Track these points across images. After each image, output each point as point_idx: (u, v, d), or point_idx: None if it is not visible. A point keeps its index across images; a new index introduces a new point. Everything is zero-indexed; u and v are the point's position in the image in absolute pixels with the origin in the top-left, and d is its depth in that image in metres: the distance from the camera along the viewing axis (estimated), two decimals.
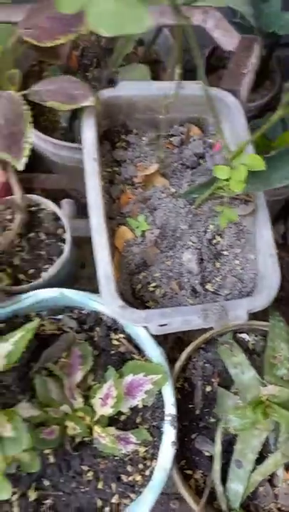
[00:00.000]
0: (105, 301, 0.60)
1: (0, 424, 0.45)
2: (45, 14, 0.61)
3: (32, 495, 0.57)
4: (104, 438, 0.54)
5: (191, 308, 0.61)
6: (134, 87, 0.71)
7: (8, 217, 0.71)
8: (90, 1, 0.29)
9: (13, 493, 0.57)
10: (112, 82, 1.12)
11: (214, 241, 0.68)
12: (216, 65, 1.24)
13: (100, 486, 0.57)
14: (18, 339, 0.49)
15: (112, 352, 0.63)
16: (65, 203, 0.86)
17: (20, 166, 0.62)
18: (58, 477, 0.58)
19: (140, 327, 0.61)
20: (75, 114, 0.86)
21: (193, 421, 0.64)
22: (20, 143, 0.62)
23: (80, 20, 0.62)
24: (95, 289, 0.66)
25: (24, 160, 0.62)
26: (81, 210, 0.90)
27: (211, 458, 0.62)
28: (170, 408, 0.57)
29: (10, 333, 0.54)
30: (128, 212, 0.69)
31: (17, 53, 0.68)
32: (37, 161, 0.90)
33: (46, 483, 0.58)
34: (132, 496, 0.56)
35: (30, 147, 0.62)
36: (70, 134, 0.87)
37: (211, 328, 0.64)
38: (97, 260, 0.61)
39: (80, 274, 0.92)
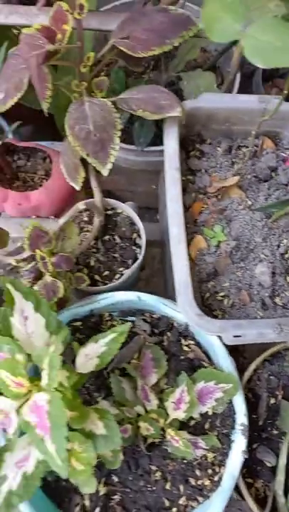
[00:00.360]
0: (182, 308, 0.61)
1: (92, 421, 0.48)
2: (142, 26, 0.63)
3: (102, 489, 0.59)
4: (178, 441, 0.56)
5: (266, 322, 0.62)
6: (216, 100, 0.72)
7: (85, 219, 0.73)
8: (245, 33, 0.30)
9: None
10: (170, 86, 1.14)
11: (286, 255, 0.69)
12: (272, 74, 1.24)
13: (167, 486, 0.59)
14: (110, 341, 0.51)
15: (182, 357, 0.65)
16: (128, 205, 0.88)
17: (105, 171, 0.64)
18: (127, 474, 0.60)
19: (214, 336, 0.62)
20: (133, 117, 0.88)
21: (256, 431, 0.66)
22: (108, 149, 0.64)
23: (176, 33, 0.64)
24: (152, 291, 0.68)
25: (109, 166, 0.64)
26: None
27: (272, 468, 0.64)
28: (242, 418, 0.59)
29: (94, 333, 0.56)
30: (203, 221, 0.70)
31: (106, 60, 0.70)
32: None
33: (115, 479, 0.60)
34: (200, 499, 0.58)
35: (116, 154, 0.64)
36: (127, 136, 0.88)
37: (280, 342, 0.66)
38: (175, 268, 0.62)
39: (138, 275, 0.94)
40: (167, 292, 0.83)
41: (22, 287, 0.50)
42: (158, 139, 0.88)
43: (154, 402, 0.59)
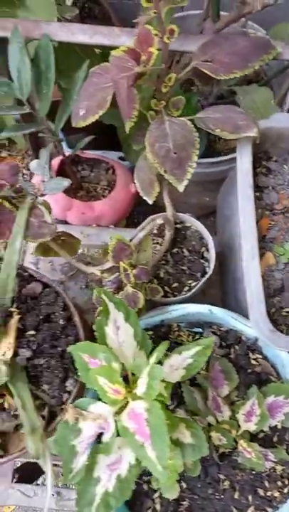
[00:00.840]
0: (254, 323, 0.63)
1: (179, 430, 0.50)
2: (225, 49, 0.65)
3: None
4: (251, 453, 0.58)
5: None
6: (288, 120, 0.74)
7: (155, 231, 0.76)
8: None
9: (155, 491, 0.62)
10: (220, 99, 1.16)
11: None
12: None
13: (236, 495, 0.61)
14: (196, 354, 0.53)
15: (249, 371, 0.67)
16: (187, 216, 0.90)
17: (181, 187, 0.67)
18: (195, 482, 0.62)
19: (283, 351, 0.64)
20: None
21: None
22: (185, 166, 0.66)
23: (257, 56, 0.66)
24: (208, 302, 0.68)
25: (186, 182, 0.67)
26: None
27: None
28: None
29: (178, 345, 0.59)
30: (272, 238, 0.72)
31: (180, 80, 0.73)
32: None
33: (183, 485, 0.62)
34: (269, 510, 0.60)
35: (192, 171, 0.67)
36: None
37: None
38: (248, 283, 0.64)
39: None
40: (227, 305, 0.85)
41: (114, 298, 0.53)
42: (207, 151, 0.90)
43: (226, 413, 0.61)
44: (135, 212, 1.14)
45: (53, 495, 0.85)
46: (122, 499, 0.46)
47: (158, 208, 0.77)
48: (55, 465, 0.56)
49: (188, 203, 1.13)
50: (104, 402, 0.47)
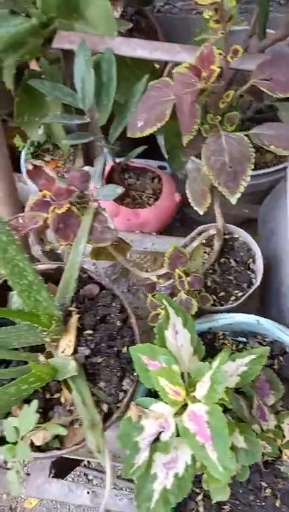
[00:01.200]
0: None
1: (233, 435, 0.52)
2: (283, 69, 0.68)
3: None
4: None
5: None
6: None
7: (203, 241, 0.78)
8: None
9: (198, 494, 0.64)
10: (258, 114, 1.17)
11: None
12: None
13: (277, 504, 0.62)
14: (250, 362, 0.55)
15: None
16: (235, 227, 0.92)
17: (234, 200, 0.69)
18: (238, 487, 0.63)
19: None
20: None
21: None
22: (239, 180, 0.68)
23: None
24: (246, 312, 0.71)
25: (238, 195, 0.69)
26: None
27: None
28: None
29: (209, 349, 0.61)
30: None
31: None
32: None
33: None
34: None
35: (246, 184, 0.69)
36: None
37: None
38: None
39: None
40: (266, 315, 0.86)
41: (174, 304, 0.55)
42: None
43: (271, 422, 0.62)
44: None
45: (88, 493, 0.87)
46: (180, 496, 0.48)
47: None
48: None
49: (229, 214, 1.15)
50: (165, 403, 0.50)
